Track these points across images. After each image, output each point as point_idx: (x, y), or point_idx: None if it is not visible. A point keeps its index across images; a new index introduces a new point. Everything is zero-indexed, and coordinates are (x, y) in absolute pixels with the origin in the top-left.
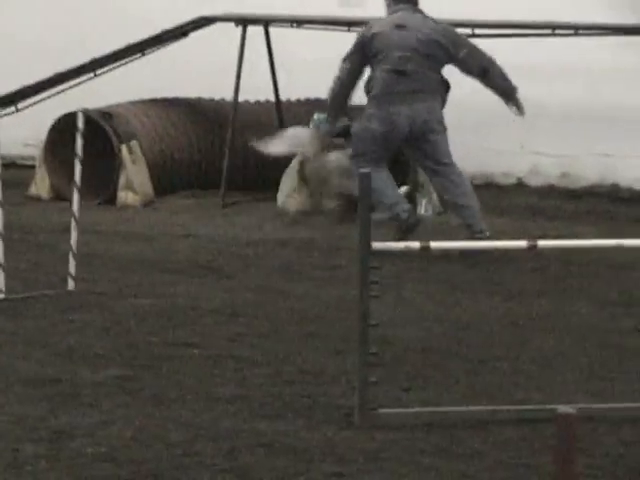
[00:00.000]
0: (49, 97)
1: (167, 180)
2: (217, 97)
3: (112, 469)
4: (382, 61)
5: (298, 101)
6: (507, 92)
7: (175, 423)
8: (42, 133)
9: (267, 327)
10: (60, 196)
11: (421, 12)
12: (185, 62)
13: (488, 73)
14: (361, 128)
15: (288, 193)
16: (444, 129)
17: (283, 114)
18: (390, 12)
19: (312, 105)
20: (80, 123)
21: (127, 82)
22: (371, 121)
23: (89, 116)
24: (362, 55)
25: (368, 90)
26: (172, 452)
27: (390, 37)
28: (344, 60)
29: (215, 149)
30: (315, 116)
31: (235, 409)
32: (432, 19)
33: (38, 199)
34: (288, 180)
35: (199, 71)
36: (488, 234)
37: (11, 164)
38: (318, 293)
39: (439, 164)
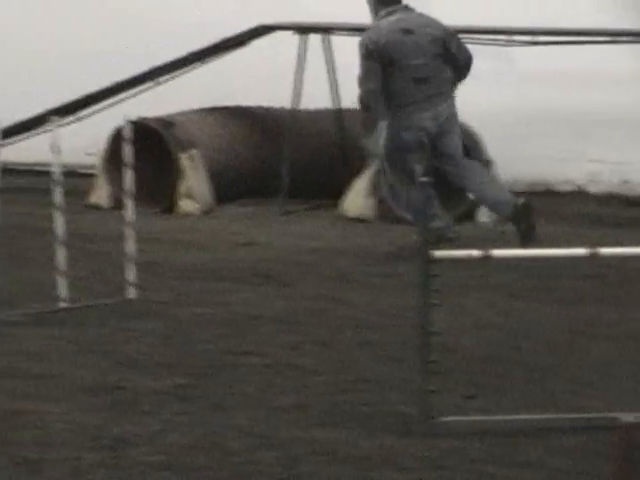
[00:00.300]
0: (109, 106)
1: (227, 188)
2: (276, 105)
3: (172, 477)
4: (400, 70)
5: (357, 109)
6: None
7: (234, 431)
8: (102, 142)
9: (326, 335)
10: (120, 204)
11: (412, 10)
12: (244, 70)
13: (469, 66)
14: (394, 141)
15: (354, 199)
16: (459, 126)
17: (343, 122)
18: (384, 15)
19: None
20: (129, 133)
21: (187, 90)
22: (401, 133)
23: (149, 125)
24: (378, 62)
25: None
26: (231, 460)
27: (403, 45)
28: (365, 73)
29: (274, 157)
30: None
31: (294, 417)
32: (425, 15)
33: (98, 207)
34: (358, 186)
35: (258, 79)
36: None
37: (72, 173)
38: (376, 301)
39: (454, 160)
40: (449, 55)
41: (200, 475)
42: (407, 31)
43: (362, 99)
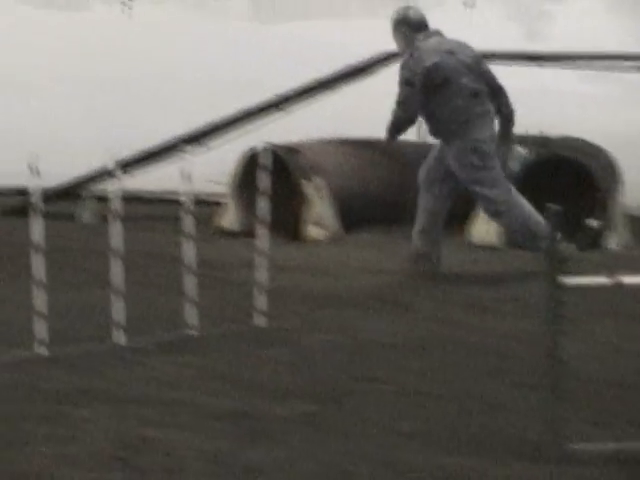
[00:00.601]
0: (237, 134)
1: (355, 216)
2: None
3: None
4: (456, 88)
5: None
6: (511, 116)
7: (362, 458)
8: (229, 169)
9: (451, 361)
10: (248, 231)
11: (443, 34)
12: (370, 98)
13: (501, 91)
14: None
15: (479, 225)
16: None
17: None
18: (422, 39)
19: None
20: (264, 159)
21: (313, 118)
22: (477, 145)
23: (275, 152)
24: (418, 88)
25: (438, 122)
26: None
27: (451, 64)
28: (404, 100)
29: (400, 185)
30: (516, 151)
31: (420, 444)
32: (455, 39)
33: (226, 234)
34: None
35: (385, 107)
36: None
37: (200, 201)
38: (503, 326)
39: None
40: (486, 76)
41: None
42: (449, 52)
43: (394, 124)
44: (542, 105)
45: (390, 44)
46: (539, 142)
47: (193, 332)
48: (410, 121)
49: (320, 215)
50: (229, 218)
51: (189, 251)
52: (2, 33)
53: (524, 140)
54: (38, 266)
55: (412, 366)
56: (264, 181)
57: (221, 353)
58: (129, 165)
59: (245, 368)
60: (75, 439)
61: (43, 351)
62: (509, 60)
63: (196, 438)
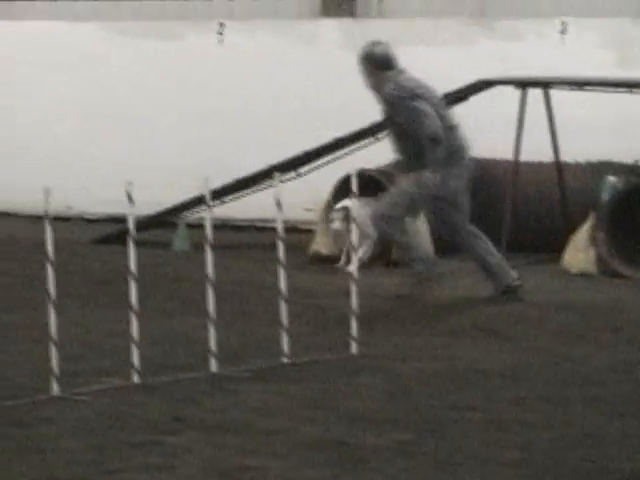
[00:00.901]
0: (329, 162)
1: (447, 241)
2: (497, 157)
3: None
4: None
5: (577, 163)
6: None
7: None
8: (320, 197)
9: (549, 390)
10: (339, 256)
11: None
12: (464, 123)
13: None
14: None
15: (574, 253)
16: None
17: (563, 174)
18: (394, 75)
19: (594, 167)
20: (355, 185)
21: None
22: (450, 181)
23: (372, 175)
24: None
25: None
26: None
27: (430, 96)
28: (421, 112)
29: (496, 209)
30: (607, 179)
31: (520, 474)
32: None
33: (318, 259)
34: (578, 239)
35: (480, 132)
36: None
37: (292, 228)
38: (601, 356)
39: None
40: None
41: None
42: (422, 87)
43: (432, 136)
44: (636, 133)
45: (480, 72)
46: (632, 171)
47: (287, 360)
48: (440, 128)
49: None
50: (321, 241)
51: (283, 279)
52: (99, 64)
53: (616, 168)
54: (133, 294)
55: (509, 395)
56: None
57: (316, 381)
58: (223, 193)
59: (340, 396)
60: (171, 467)
61: (138, 379)
62: (602, 87)
63: (292, 467)
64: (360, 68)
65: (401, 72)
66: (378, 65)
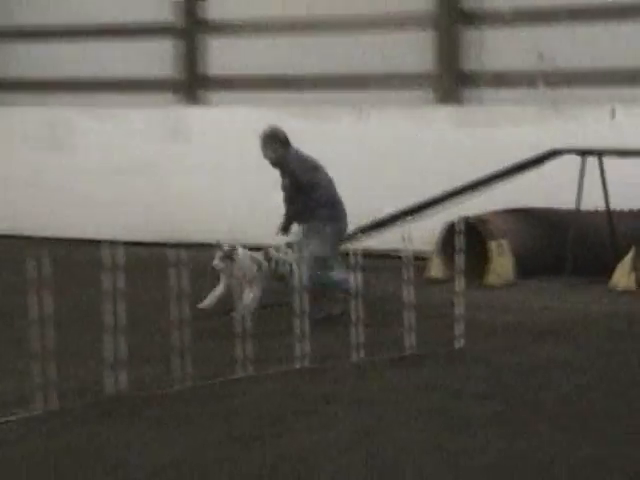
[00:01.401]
0: (444, 208)
1: (528, 267)
2: (563, 207)
3: None
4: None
5: (622, 210)
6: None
7: (547, 446)
8: (434, 234)
9: (608, 376)
10: (449, 279)
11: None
12: (536, 180)
13: None
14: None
15: (621, 275)
16: None
17: (612, 219)
18: (293, 151)
19: (636, 213)
20: (459, 227)
21: (496, 195)
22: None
23: (469, 221)
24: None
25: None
26: None
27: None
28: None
29: (562, 244)
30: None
31: (600, 441)
32: None
33: (434, 282)
34: (624, 265)
35: (547, 189)
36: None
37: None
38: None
39: None
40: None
41: None
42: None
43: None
44: None
45: (552, 144)
46: None
47: (410, 351)
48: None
49: (500, 267)
50: (436, 268)
51: (409, 293)
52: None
53: None
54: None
55: (574, 379)
56: (459, 243)
57: (430, 367)
58: (367, 230)
59: (448, 379)
60: (325, 429)
61: (301, 365)
62: None
63: (410, 429)
64: (263, 146)
65: (296, 150)
66: (282, 142)
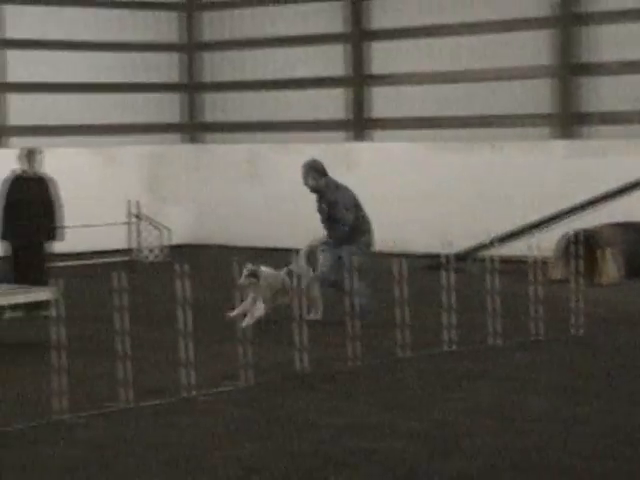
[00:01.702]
0: (560, 221)
1: (633, 270)
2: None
3: None
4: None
5: None
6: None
7: None
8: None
9: None
10: (567, 279)
11: None
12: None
13: None
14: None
15: None
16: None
17: None
18: (330, 180)
19: None
20: (574, 239)
21: (608, 212)
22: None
23: (584, 233)
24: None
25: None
26: None
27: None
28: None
29: None
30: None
31: None
32: None
33: (554, 282)
34: None
35: None
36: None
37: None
38: None
39: None
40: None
41: None
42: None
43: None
44: None
45: None
46: None
47: (537, 338)
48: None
49: (608, 270)
50: (557, 271)
51: (535, 290)
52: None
53: None
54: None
55: (619, 362)
56: (576, 250)
57: (554, 351)
58: (502, 239)
59: (570, 360)
60: (467, 400)
61: (450, 347)
62: None
63: (536, 400)
64: (305, 175)
65: (331, 179)
66: (319, 172)
